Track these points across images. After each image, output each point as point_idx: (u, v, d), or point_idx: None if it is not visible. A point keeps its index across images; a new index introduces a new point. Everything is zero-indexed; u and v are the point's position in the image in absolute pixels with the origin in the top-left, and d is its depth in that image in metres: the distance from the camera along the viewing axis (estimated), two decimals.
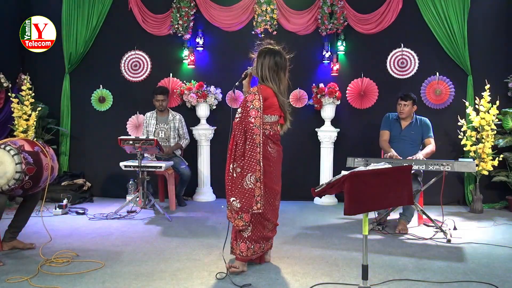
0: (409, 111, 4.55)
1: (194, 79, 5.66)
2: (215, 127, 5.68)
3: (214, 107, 5.65)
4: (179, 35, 5.66)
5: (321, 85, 5.45)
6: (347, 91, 5.64)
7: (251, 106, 2.95)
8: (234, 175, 2.98)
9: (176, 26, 5.61)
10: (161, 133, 5.22)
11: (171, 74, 5.77)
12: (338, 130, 5.53)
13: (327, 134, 5.50)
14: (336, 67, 5.56)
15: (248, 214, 2.97)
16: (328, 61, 5.60)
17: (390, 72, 5.59)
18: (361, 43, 5.63)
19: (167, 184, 5.11)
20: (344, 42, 5.57)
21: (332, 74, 5.60)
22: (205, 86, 5.56)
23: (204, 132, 5.61)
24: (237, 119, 2.99)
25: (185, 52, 5.70)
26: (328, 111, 5.48)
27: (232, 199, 2.97)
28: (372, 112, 5.56)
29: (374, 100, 5.60)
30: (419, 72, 5.54)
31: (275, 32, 5.56)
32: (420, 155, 4.30)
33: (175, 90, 5.69)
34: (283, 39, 5.49)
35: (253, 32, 5.58)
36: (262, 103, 2.96)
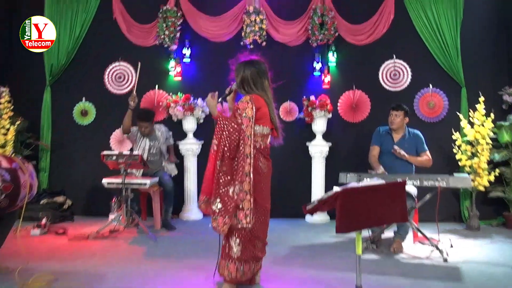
0: (400, 122, 4.59)
1: (180, 92, 5.66)
2: (202, 141, 5.66)
3: (202, 120, 5.64)
4: (165, 45, 5.66)
5: (312, 97, 5.48)
6: (338, 104, 5.67)
7: (244, 115, 2.95)
8: (222, 176, 2.94)
9: (162, 36, 5.61)
10: (152, 149, 5.18)
11: (156, 86, 5.76)
12: (330, 144, 5.55)
13: (318, 149, 5.50)
14: (327, 79, 5.59)
15: (224, 219, 2.92)
16: (319, 73, 5.63)
17: (383, 84, 5.65)
18: (352, 54, 5.69)
19: (152, 202, 5.05)
20: (335, 53, 5.62)
21: (323, 86, 5.63)
22: (192, 98, 5.55)
23: (191, 147, 5.58)
24: (239, 121, 2.95)
25: (172, 64, 5.70)
26: (319, 125, 5.49)
27: (217, 200, 2.94)
28: (364, 125, 5.59)
29: (367, 113, 5.64)
30: (412, 84, 5.61)
31: (264, 43, 5.59)
32: (402, 151, 4.39)
33: (160, 103, 5.67)
34: (273, 50, 5.63)
35: (241, 43, 5.61)
36: (254, 113, 2.95)
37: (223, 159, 2.94)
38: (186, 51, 5.69)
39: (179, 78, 5.72)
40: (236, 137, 2.93)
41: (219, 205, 2.92)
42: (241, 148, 2.92)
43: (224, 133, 2.93)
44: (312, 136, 5.61)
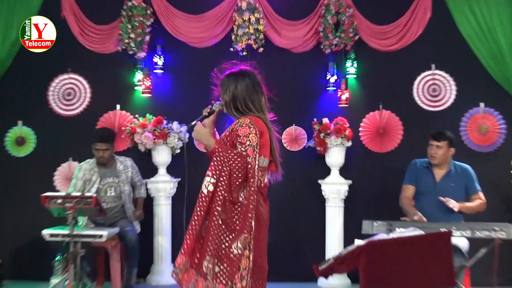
0: (444, 155, 4.60)
1: (150, 113, 5.67)
2: (179, 179, 5.63)
3: (178, 150, 5.62)
4: (131, 52, 5.70)
5: (325, 120, 5.50)
6: (360, 129, 5.70)
7: (247, 143, 2.93)
8: (220, 227, 2.90)
9: (127, 40, 5.65)
10: (110, 190, 5.15)
11: (118, 106, 5.78)
12: (350, 182, 5.54)
13: (334, 188, 5.50)
14: (345, 95, 5.63)
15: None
16: (334, 88, 5.67)
17: (418, 102, 5.70)
18: (378, 63, 5.75)
19: (110, 260, 4.98)
20: (355, 62, 5.67)
21: (340, 106, 5.66)
22: (165, 122, 5.56)
23: (163, 186, 5.55)
24: (242, 152, 2.92)
25: (139, 76, 5.73)
26: (335, 156, 5.50)
27: (214, 260, 2.88)
28: (395, 157, 5.61)
29: (398, 141, 5.67)
30: (458, 102, 5.66)
31: (261, 49, 5.63)
32: (454, 203, 4.37)
33: (123, 128, 5.66)
34: (273, 58, 5.68)
35: (231, 49, 5.65)
36: (258, 140, 2.95)
37: (224, 204, 2.92)
38: (158, 60, 5.72)
39: (149, 95, 5.74)
40: (241, 173, 2.91)
41: (217, 269, 2.88)
42: (247, 186, 2.92)
43: (224, 169, 2.91)
44: (325, 171, 5.60)
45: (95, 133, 5.26)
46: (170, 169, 5.66)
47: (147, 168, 5.60)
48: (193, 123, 3.16)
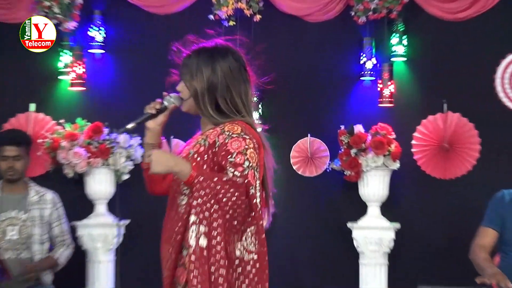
0: None
1: (82, 116, 5.68)
2: (129, 221, 5.55)
3: (126, 176, 5.57)
4: (54, 22, 5.69)
5: (358, 128, 5.48)
6: (414, 142, 5.70)
7: (246, 164, 2.85)
8: None
9: (48, 3, 5.70)
10: (12, 231, 5.10)
11: (33, 106, 5.75)
12: (398, 226, 5.56)
13: (373, 235, 5.51)
14: (388, 90, 5.62)
15: None
16: (372, 78, 5.66)
17: (504, 99, 5.72)
18: (440, 40, 5.80)
19: None
20: (404, 37, 5.67)
21: (380, 105, 5.65)
22: (106, 130, 5.54)
23: (102, 233, 5.56)
24: (237, 179, 2.83)
25: (66, 59, 5.76)
26: (374, 185, 5.53)
27: None
28: (468, 186, 5.62)
29: (473, 161, 5.68)
30: None
31: (258, 16, 5.66)
32: None
33: (40, 141, 5.62)
34: (276, 30, 5.79)
35: (211, 17, 5.67)
36: (258, 159, 2.92)
37: (230, 264, 2.87)
38: (97, 34, 5.82)
39: (81, 88, 5.79)
40: (236, 213, 2.82)
41: None
42: (248, 232, 2.90)
43: (215, 207, 2.82)
44: (359, 208, 5.65)
45: (1, 135, 5.43)
46: (113, 206, 5.60)
47: (78, 204, 5.61)
48: (129, 126, 2.97)
